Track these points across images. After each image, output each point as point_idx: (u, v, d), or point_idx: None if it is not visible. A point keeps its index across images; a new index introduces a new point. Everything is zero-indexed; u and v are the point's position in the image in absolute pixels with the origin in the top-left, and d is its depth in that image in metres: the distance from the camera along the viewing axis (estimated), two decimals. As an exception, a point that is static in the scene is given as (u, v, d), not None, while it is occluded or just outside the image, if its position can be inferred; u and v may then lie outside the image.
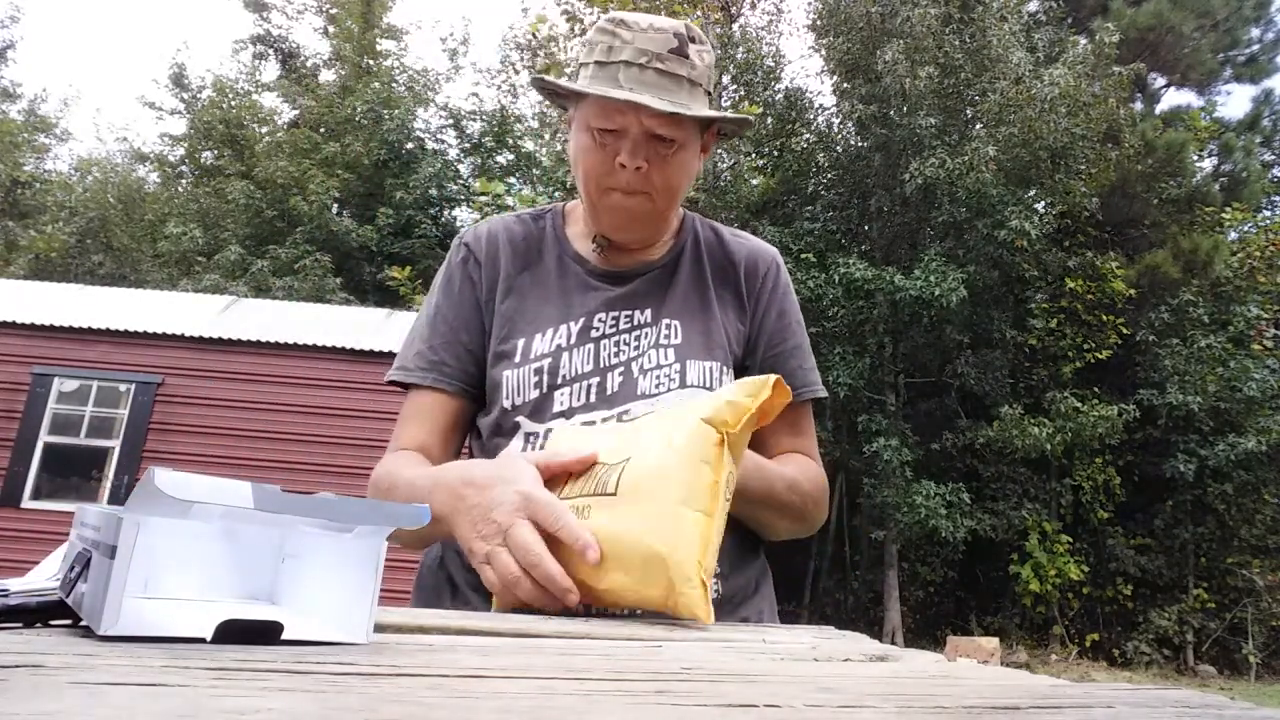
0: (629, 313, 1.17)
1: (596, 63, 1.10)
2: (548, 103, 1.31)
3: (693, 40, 1.12)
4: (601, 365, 1.12)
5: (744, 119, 1.19)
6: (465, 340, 1.18)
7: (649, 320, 1.16)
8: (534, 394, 1.11)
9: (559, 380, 1.11)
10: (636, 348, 1.14)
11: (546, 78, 1.16)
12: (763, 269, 1.25)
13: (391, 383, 1.19)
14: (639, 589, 0.78)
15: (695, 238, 1.26)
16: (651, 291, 1.19)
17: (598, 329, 1.15)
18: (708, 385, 1.10)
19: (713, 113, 1.13)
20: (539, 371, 1.11)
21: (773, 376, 0.85)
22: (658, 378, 1.11)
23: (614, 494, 0.81)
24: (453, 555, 1.14)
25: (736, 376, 1.15)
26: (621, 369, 1.12)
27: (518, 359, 1.13)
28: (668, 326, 1.15)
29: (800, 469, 1.15)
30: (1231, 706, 0.39)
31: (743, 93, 14.15)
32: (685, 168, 1.15)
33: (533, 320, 1.16)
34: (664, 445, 0.82)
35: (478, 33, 43.85)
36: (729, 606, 1.09)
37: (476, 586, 1.07)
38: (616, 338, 1.15)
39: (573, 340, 1.14)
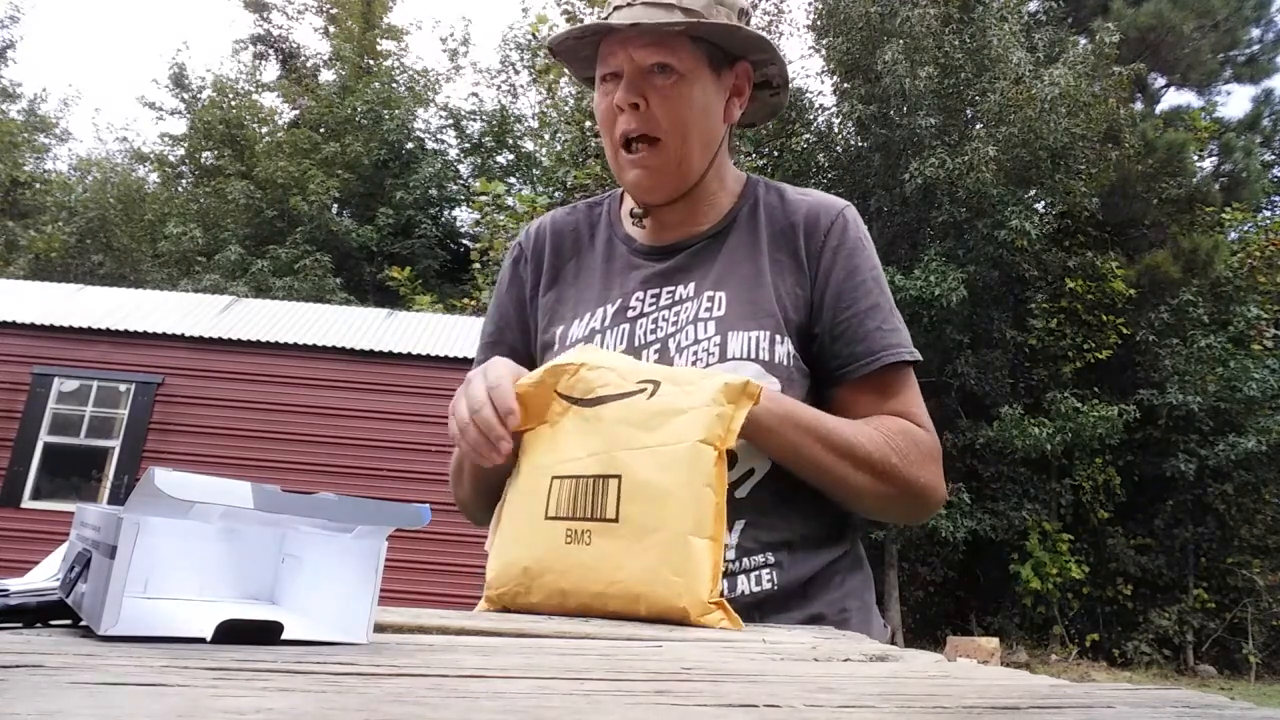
0: (670, 288, 1.11)
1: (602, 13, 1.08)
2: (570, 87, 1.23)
3: None
4: (636, 344, 1.08)
5: (755, 35, 1.07)
6: (510, 339, 1.20)
7: (691, 294, 1.10)
8: None
9: None
10: (674, 324, 1.08)
11: (548, 40, 1.13)
12: (824, 224, 1.11)
13: None
14: (653, 615, 0.78)
15: (755, 203, 1.16)
16: (695, 264, 1.12)
17: (634, 308, 1.11)
18: (752, 356, 1.03)
19: (678, 20, 1.00)
20: None
21: (747, 379, 0.84)
22: (695, 353, 1.04)
23: (615, 519, 0.80)
24: None
25: (804, 345, 1.07)
26: (657, 347, 1.07)
27: (556, 347, 1.12)
28: (710, 298, 1.08)
29: (882, 421, 1.03)
30: (1231, 706, 0.39)
31: (743, 93, 14.13)
32: (690, 100, 1.05)
33: (574, 307, 1.15)
34: (658, 465, 0.80)
35: (478, 33, 43.90)
36: (796, 600, 1.00)
37: None
38: (655, 315, 1.10)
39: (608, 322, 1.11)
